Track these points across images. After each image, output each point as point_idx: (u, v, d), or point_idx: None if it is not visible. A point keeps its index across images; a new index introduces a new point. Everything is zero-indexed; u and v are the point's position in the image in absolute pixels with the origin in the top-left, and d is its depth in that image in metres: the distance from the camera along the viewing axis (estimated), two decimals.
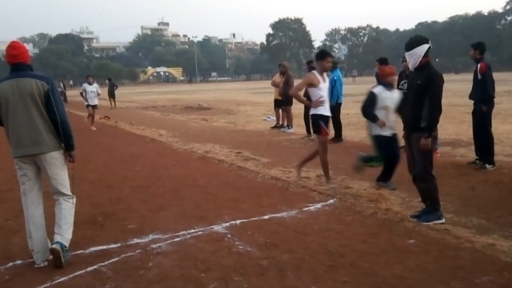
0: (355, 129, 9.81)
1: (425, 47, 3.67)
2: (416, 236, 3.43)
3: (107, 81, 23.20)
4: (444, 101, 3.76)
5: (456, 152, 6.84)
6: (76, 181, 3.32)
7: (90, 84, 11.98)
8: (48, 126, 3.09)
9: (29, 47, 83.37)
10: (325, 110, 5.02)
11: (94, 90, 11.87)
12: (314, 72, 5.10)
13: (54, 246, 3.05)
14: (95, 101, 11.88)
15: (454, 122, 9.93)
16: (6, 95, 3.03)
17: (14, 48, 3.09)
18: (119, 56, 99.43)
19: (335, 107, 8.14)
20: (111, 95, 21.07)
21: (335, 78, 8.16)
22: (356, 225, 3.75)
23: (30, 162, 3.12)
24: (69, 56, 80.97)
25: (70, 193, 3.26)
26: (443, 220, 3.71)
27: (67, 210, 3.18)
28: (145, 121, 13.89)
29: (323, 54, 5.10)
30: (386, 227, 3.67)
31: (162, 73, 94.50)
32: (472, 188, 4.80)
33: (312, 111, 5.06)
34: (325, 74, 5.12)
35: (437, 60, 67.32)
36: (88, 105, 11.85)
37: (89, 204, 4.60)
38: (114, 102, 21.17)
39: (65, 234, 3.12)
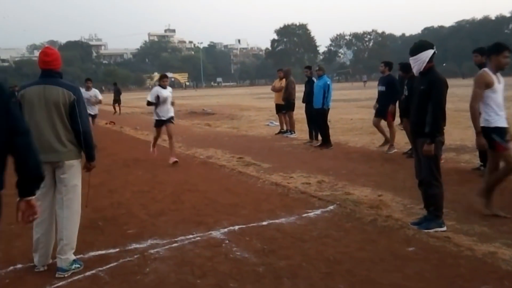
0: (358, 135, 9.76)
1: (429, 52, 3.65)
2: (415, 244, 3.39)
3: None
4: (450, 106, 3.72)
5: (460, 158, 6.76)
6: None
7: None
8: (70, 135, 3.11)
9: (38, 53, 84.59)
10: (499, 121, 4.02)
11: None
12: (486, 69, 4.08)
13: (57, 275, 3.07)
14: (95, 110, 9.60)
15: (460, 127, 9.83)
16: (31, 100, 3.07)
17: (46, 54, 3.13)
18: (126, 63, 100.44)
19: (324, 113, 8.19)
20: (116, 100, 20.97)
21: (328, 83, 8.23)
22: (355, 232, 3.71)
23: (48, 169, 3.10)
24: (78, 62, 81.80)
25: (78, 208, 3.23)
26: (444, 228, 3.66)
27: (71, 230, 3.16)
28: (150, 126, 13.82)
29: (500, 47, 4.05)
30: (386, 234, 3.63)
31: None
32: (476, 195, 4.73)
33: (483, 123, 4.05)
34: (499, 74, 4.13)
35: (444, 64, 66.93)
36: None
37: (90, 208, 4.59)
38: (119, 108, 20.96)
39: (65, 256, 3.11)
